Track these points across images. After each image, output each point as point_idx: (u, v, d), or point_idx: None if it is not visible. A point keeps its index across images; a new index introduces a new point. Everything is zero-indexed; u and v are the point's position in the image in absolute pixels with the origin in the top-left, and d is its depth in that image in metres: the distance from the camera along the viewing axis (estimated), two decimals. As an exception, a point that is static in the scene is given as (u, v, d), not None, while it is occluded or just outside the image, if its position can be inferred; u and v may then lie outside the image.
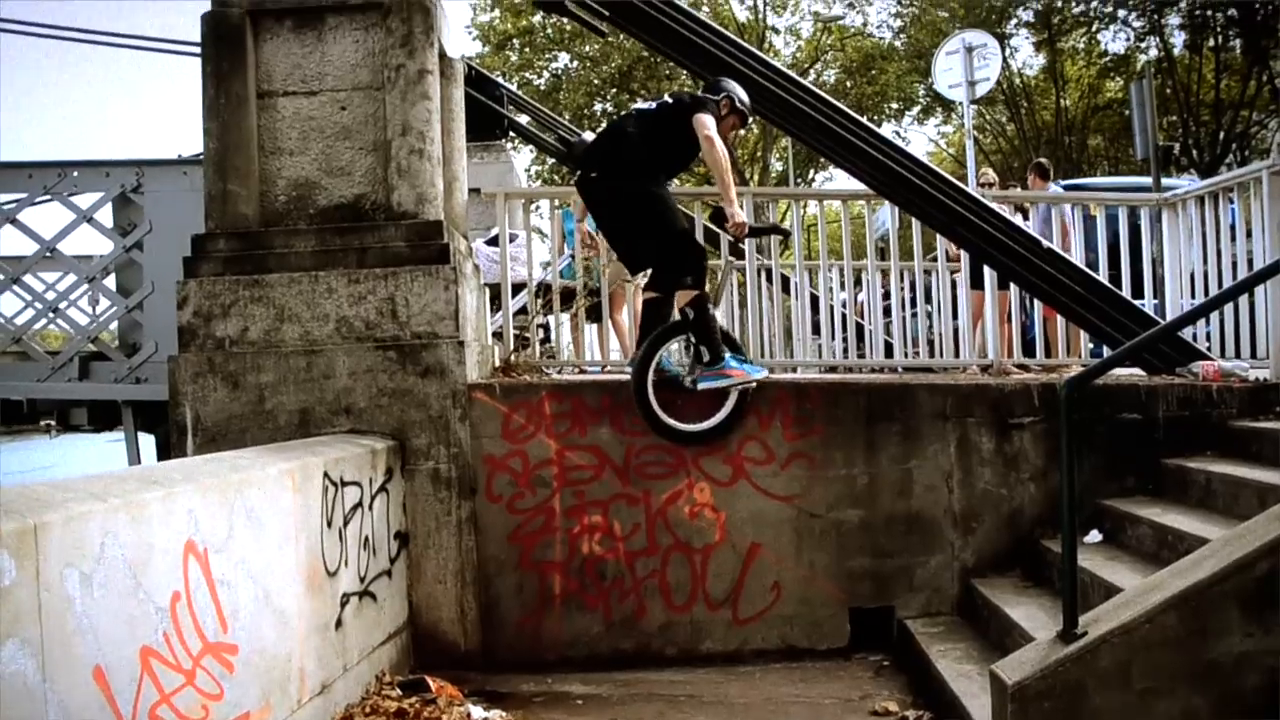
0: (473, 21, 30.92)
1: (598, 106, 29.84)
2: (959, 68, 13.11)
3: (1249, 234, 6.53)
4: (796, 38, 32.30)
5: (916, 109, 32.14)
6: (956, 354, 7.12)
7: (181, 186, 8.93)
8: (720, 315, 6.32)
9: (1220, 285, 6.51)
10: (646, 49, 11.76)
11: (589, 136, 8.98)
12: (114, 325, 10.04)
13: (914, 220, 6.70)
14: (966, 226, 6.24)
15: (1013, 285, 6.85)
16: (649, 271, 5.94)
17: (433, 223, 5.76)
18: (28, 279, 9.79)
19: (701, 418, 5.72)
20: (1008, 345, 7.03)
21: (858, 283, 9.83)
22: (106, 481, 3.22)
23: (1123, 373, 6.22)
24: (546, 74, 31.27)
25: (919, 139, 36.89)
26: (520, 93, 13.92)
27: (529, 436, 5.76)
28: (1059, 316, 6.83)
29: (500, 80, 11.65)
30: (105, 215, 9.47)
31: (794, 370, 7.02)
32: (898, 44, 30.46)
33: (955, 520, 5.87)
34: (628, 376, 5.74)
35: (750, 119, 6.06)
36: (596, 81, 30.19)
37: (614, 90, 29.65)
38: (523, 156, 27.89)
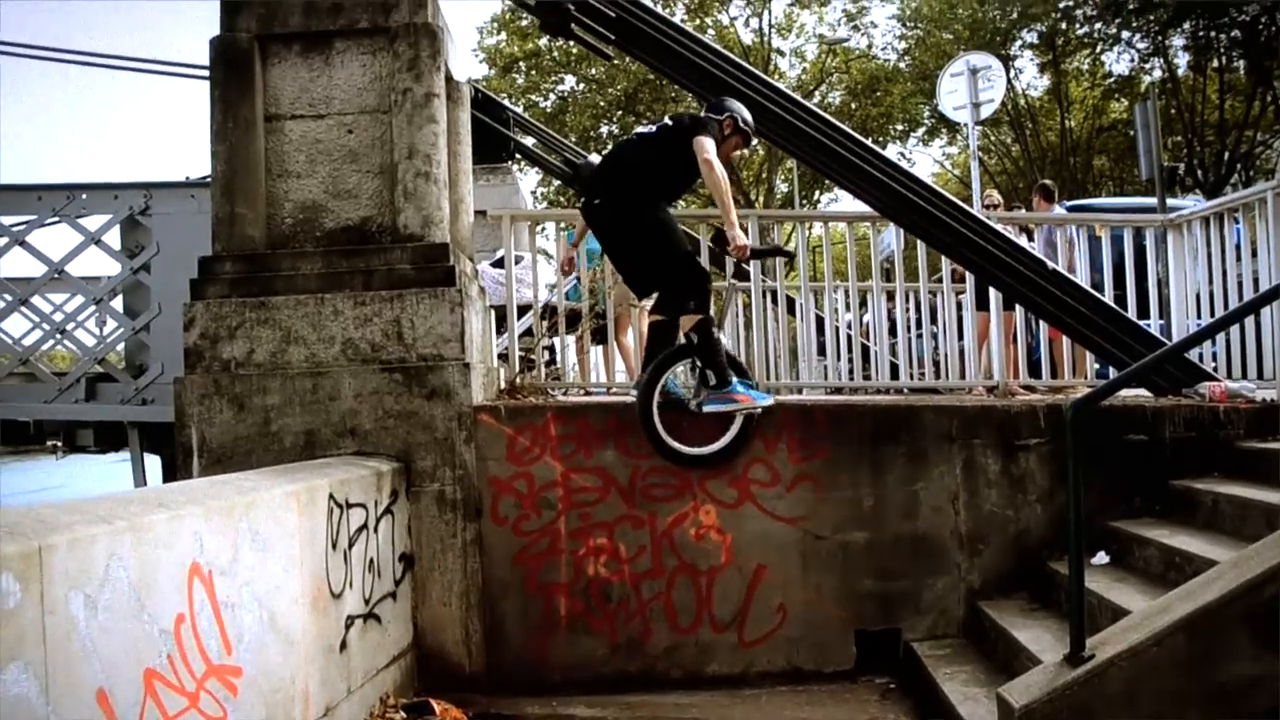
0: (479, 45, 31.14)
1: (604, 129, 29.95)
2: (964, 89, 13.17)
3: (1254, 254, 6.52)
4: (801, 60, 32.46)
5: (921, 130, 32.21)
6: (962, 375, 7.11)
7: (189, 209, 8.99)
8: (726, 339, 6.33)
9: (1226, 306, 6.50)
10: (652, 72, 11.82)
11: (595, 159, 9.01)
12: (121, 347, 10.07)
13: (919, 241, 6.70)
14: (971, 248, 6.24)
15: (1018, 306, 6.85)
16: (657, 294, 5.94)
17: (439, 245, 5.78)
18: (36, 300, 9.84)
19: (706, 441, 5.71)
20: (1013, 366, 7.02)
21: (863, 304, 9.83)
22: (111, 503, 3.22)
23: (1129, 394, 6.21)
24: (552, 96, 31.42)
25: (924, 160, 36.94)
26: (526, 115, 13.98)
27: (534, 458, 5.75)
28: (1065, 338, 6.82)
29: (506, 103, 11.69)
30: (113, 237, 9.53)
31: (799, 392, 7.02)
32: (902, 66, 30.55)
33: (961, 542, 5.84)
34: (633, 399, 5.74)
35: (754, 139, 6.06)
36: (602, 104, 30.33)
37: (620, 112, 29.78)
38: (529, 179, 27.99)
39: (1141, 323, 6.55)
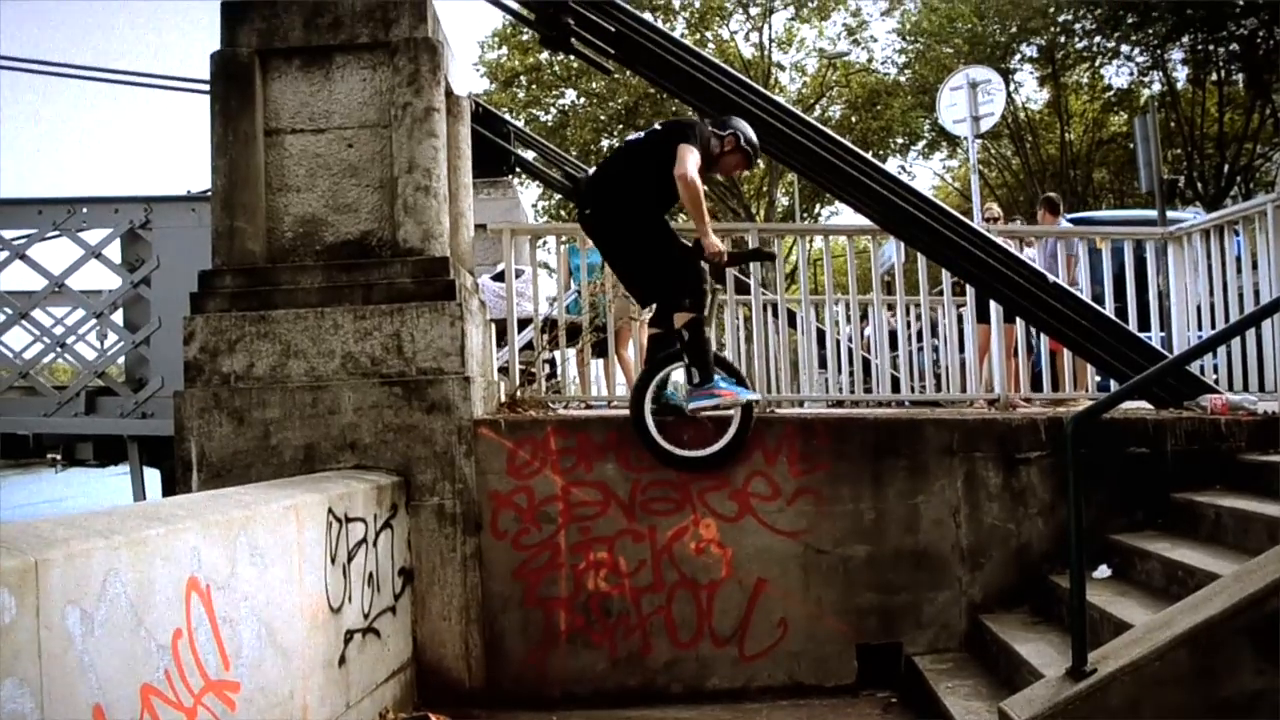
0: (480, 59, 31.30)
1: (604, 142, 30.02)
2: (963, 103, 13.20)
3: (1255, 266, 6.53)
4: (802, 74, 32.57)
5: (921, 144, 32.28)
6: (963, 388, 7.10)
7: (189, 223, 9.01)
8: (728, 351, 6.33)
9: (1227, 318, 6.50)
10: (652, 86, 11.85)
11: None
12: (121, 360, 10.07)
13: (919, 255, 6.70)
14: (972, 261, 6.24)
15: (1019, 319, 6.84)
16: (655, 306, 5.96)
17: (439, 259, 5.78)
18: (36, 314, 9.85)
19: (703, 445, 5.71)
20: (1014, 379, 7.01)
21: (864, 317, 9.83)
22: (109, 518, 3.20)
23: (1130, 406, 6.19)
24: (553, 110, 31.53)
25: (924, 174, 37.13)
26: (527, 129, 14.01)
27: (534, 472, 5.74)
28: (1065, 351, 6.82)
29: (507, 117, 11.71)
30: (114, 251, 9.54)
31: (800, 405, 7.01)
32: (902, 80, 30.64)
33: (963, 556, 5.83)
34: (631, 409, 5.74)
35: (757, 159, 6.06)
36: (603, 118, 30.42)
37: (620, 126, 29.84)
38: (529, 192, 28.04)
39: (1142, 335, 6.55)
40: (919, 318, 8.00)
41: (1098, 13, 26.58)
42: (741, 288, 7.12)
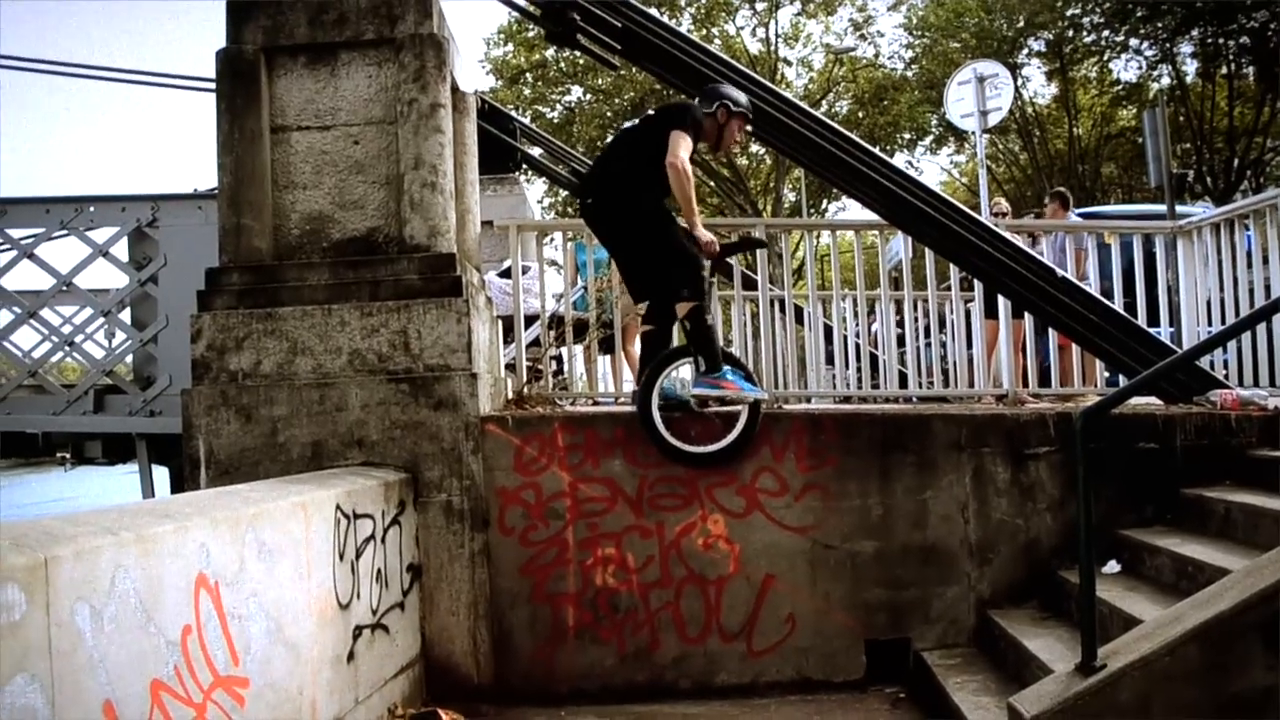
0: (486, 56, 31.33)
1: (610, 139, 29.98)
2: (971, 97, 13.17)
3: (1265, 260, 6.50)
4: (808, 69, 32.54)
5: (929, 139, 32.26)
6: (971, 384, 7.08)
7: (196, 221, 8.99)
8: (734, 347, 6.31)
9: (1237, 313, 6.47)
10: (659, 82, 11.82)
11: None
12: (129, 358, 10.08)
13: (927, 250, 6.69)
14: (980, 256, 6.22)
15: (1027, 314, 6.82)
16: (649, 302, 5.95)
17: (445, 255, 5.78)
18: (44, 313, 9.86)
19: (710, 441, 5.71)
20: (1022, 375, 6.98)
21: (871, 312, 9.81)
22: (118, 515, 3.21)
23: (1139, 402, 6.17)
24: (559, 107, 31.56)
25: (932, 169, 36.99)
26: (533, 126, 14.01)
27: (542, 469, 5.75)
28: (1074, 346, 6.79)
29: (513, 113, 11.71)
30: (121, 249, 9.54)
31: (808, 401, 6.99)
32: (909, 75, 30.60)
33: (971, 551, 5.82)
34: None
35: (751, 117, 6.00)
36: (609, 114, 30.39)
37: (616, 133, 29.81)
38: (535, 189, 28.08)
39: (1151, 330, 6.52)
40: (927, 314, 7.97)
41: (1106, 6, 26.52)
42: (749, 284, 7.10)
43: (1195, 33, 26.15)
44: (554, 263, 12.67)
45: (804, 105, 6.94)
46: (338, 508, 4.56)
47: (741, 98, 5.86)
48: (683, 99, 5.97)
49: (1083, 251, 7.56)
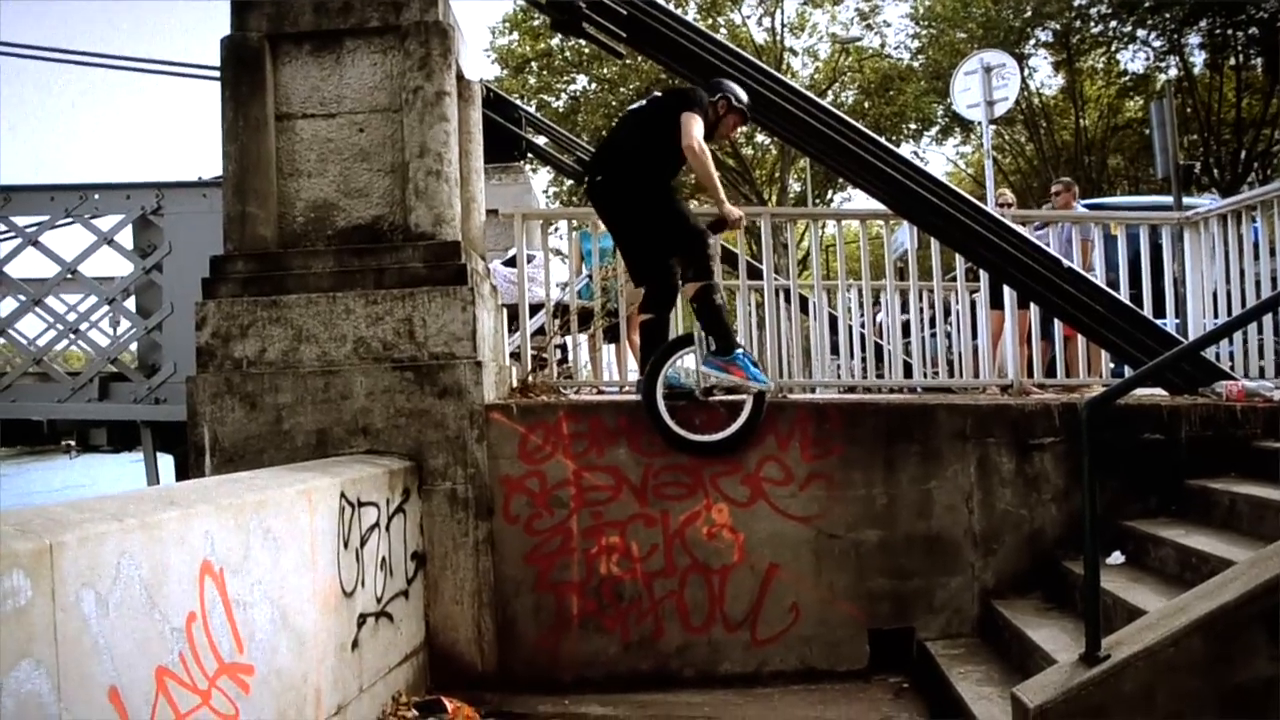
0: (491, 45, 31.24)
1: (618, 119, 29.94)
2: (977, 88, 13.07)
3: (1272, 252, 6.47)
4: (814, 59, 32.44)
5: (935, 129, 32.11)
6: (976, 374, 7.07)
7: (201, 208, 8.99)
8: (740, 336, 6.29)
9: (1243, 304, 6.46)
10: (664, 71, 11.78)
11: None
12: (134, 346, 10.10)
13: (933, 240, 6.67)
14: (986, 246, 6.21)
15: (1033, 305, 6.80)
16: (647, 289, 5.95)
17: (450, 243, 5.78)
18: (49, 300, 9.87)
19: (715, 430, 5.70)
20: (1027, 365, 6.97)
21: (876, 303, 9.79)
22: (123, 502, 3.22)
23: (1145, 393, 6.17)
24: (564, 96, 31.46)
25: (937, 159, 36.73)
26: (538, 115, 13.98)
27: (546, 457, 5.75)
28: (1079, 336, 6.78)
29: (518, 102, 11.69)
30: (125, 237, 9.55)
31: (812, 390, 6.99)
32: (916, 65, 30.46)
33: (975, 541, 5.81)
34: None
35: (749, 115, 6.05)
36: (614, 103, 30.28)
37: (622, 113, 29.76)
38: (540, 178, 28.03)
39: (1157, 321, 6.50)
40: (932, 304, 7.96)
41: (1114, -3, 26.39)
42: (754, 273, 7.10)
43: (1203, 24, 26.01)
44: (558, 252, 12.67)
45: (810, 94, 6.92)
46: (342, 495, 4.56)
47: (744, 95, 5.88)
48: (688, 87, 5.96)
49: (1089, 242, 7.55)
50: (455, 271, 5.71)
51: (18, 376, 9.73)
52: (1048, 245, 6.69)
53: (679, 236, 5.62)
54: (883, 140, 6.71)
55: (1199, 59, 27.75)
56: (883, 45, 31.39)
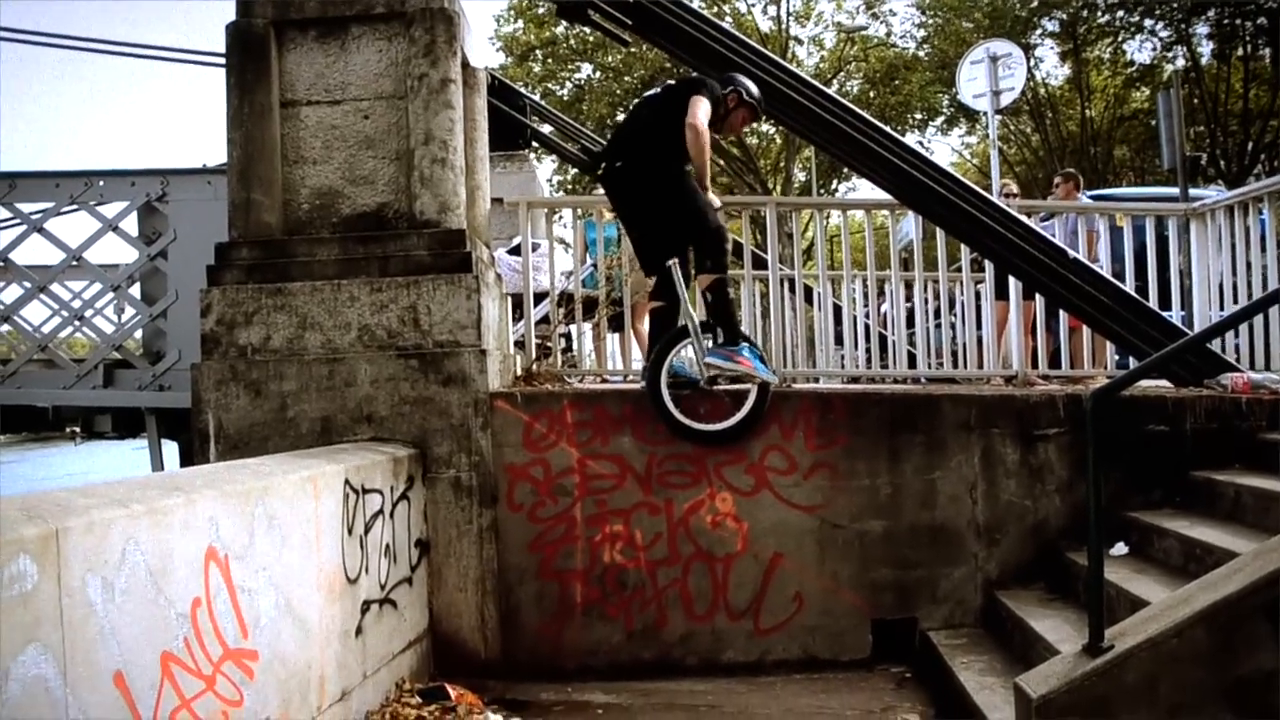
0: (496, 33, 31.11)
1: (620, 117, 29.87)
2: (983, 78, 13.05)
3: (1279, 244, 6.45)
4: (820, 48, 32.34)
5: (940, 119, 32.02)
6: (980, 365, 7.06)
7: (206, 195, 8.97)
8: (744, 326, 6.29)
9: (1249, 296, 6.44)
10: (670, 59, 11.77)
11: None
12: (138, 333, 10.10)
13: (938, 230, 6.66)
14: (992, 236, 6.20)
15: (1038, 296, 6.79)
16: (657, 278, 5.94)
17: (455, 231, 5.77)
18: (54, 287, 9.87)
19: (719, 419, 5.70)
20: (1032, 356, 6.96)
21: (881, 293, 9.77)
22: (128, 488, 3.23)
23: (1150, 384, 6.15)
24: (569, 85, 31.37)
25: (943, 149, 36.82)
26: (543, 103, 13.93)
27: (550, 445, 5.75)
28: (1084, 328, 6.77)
29: (523, 91, 11.65)
30: (130, 224, 9.54)
31: (817, 380, 6.99)
32: (921, 54, 30.35)
33: (979, 531, 5.82)
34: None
35: (762, 112, 6.05)
36: (619, 92, 30.23)
37: (637, 101, 29.70)
38: (545, 166, 27.99)
39: (1163, 313, 6.49)
40: (937, 295, 7.94)
41: (1121, -14, 26.29)
42: (759, 263, 7.08)
43: (1211, 14, 25.91)
44: (563, 240, 12.67)
45: (815, 83, 6.90)
46: (346, 482, 4.57)
47: (756, 91, 5.86)
48: (700, 75, 5.94)
49: (1094, 233, 7.52)
50: (460, 259, 5.70)
51: (23, 363, 9.73)
52: (1053, 236, 6.66)
53: (700, 229, 5.59)
54: (888, 130, 6.69)
55: (1206, 49, 27.65)
56: (888, 34, 31.29)
